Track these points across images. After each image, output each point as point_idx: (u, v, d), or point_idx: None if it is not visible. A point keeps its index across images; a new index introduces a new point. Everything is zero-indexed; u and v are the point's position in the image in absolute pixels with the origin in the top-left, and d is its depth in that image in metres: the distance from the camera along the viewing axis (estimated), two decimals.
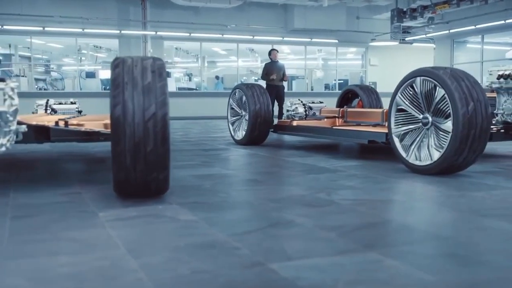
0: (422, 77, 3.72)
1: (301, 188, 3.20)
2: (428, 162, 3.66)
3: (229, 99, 6.77)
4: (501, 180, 3.42)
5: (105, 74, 21.29)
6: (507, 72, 3.96)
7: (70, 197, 2.94)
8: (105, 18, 16.53)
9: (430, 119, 3.73)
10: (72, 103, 5.58)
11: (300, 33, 19.01)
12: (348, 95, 7.27)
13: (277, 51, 11.03)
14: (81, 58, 21.75)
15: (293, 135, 5.94)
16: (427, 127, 3.75)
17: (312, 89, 21.77)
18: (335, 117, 6.21)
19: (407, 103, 3.90)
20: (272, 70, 10.66)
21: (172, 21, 17.34)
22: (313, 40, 19.46)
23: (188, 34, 17.69)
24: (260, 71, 23.30)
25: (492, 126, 4.30)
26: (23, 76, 18.48)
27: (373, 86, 11.57)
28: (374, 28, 19.93)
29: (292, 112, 6.74)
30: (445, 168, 3.56)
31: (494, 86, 4.13)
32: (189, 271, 1.61)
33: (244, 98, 6.31)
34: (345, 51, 22.87)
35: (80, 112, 5.57)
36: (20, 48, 19.64)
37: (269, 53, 11.04)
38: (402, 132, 3.95)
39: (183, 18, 17.52)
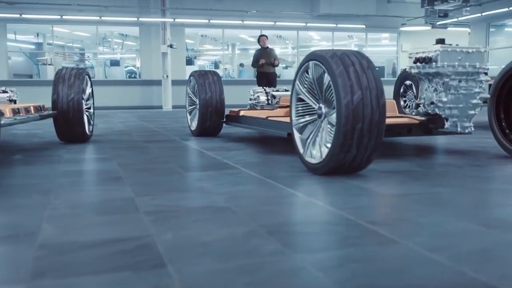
0: (313, 62, 3.21)
1: (140, 190, 2.79)
2: (318, 160, 3.16)
3: (187, 87, 6.39)
4: (391, 184, 2.89)
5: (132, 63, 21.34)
6: (424, 55, 3.36)
7: None
8: (122, 6, 16.42)
9: (323, 110, 3.22)
10: (3, 91, 5.35)
11: (325, 19, 18.28)
12: None
13: (266, 37, 10.49)
14: (113, 47, 21.90)
15: (238, 127, 5.48)
16: (321, 119, 3.25)
17: None
18: (288, 106, 5.68)
19: (304, 91, 3.40)
20: (261, 56, 10.16)
21: (192, 7, 17.04)
22: (339, 25, 18.68)
23: (207, 21, 17.36)
24: (290, 58, 22.82)
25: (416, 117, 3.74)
26: (50, 64, 18.77)
27: None
28: (407, 12, 18.92)
29: (254, 101, 6.28)
30: (333, 168, 3.05)
31: (413, 71, 3.55)
32: None
33: (196, 86, 5.92)
34: (378, 36, 21.92)
35: (12, 101, 5.34)
36: (49, 37, 19.90)
37: (258, 40, 10.52)
38: (301, 125, 3.45)
39: (203, 4, 17.18)
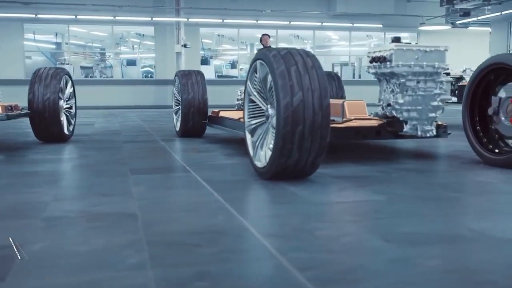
0: (259, 61, 3.07)
1: (66, 193, 2.70)
2: (263, 164, 3.02)
3: (173, 87, 6.30)
4: (331, 191, 2.73)
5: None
6: (379, 54, 3.18)
7: None
8: (136, 5, 16.45)
9: (270, 111, 3.07)
10: None
11: (341, 18, 18.00)
12: None
13: (269, 36, 10.31)
14: (133, 46, 22.03)
15: (217, 128, 5.34)
16: (269, 121, 3.10)
17: (360, 77, 20.72)
18: None
19: (254, 92, 3.26)
20: None
21: (206, 7, 16.98)
22: (356, 25, 18.38)
23: (222, 21, 17.28)
24: None
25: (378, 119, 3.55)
26: (67, 64, 18.97)
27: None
28: (426, 11, 18.50)
29: (241, 102, 6.14)
30: (276, 172, 2.90)
31: (370, 71, 3.36)
32: None
33: (179, 86, 5.82)
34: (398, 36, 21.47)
35: None
36: (67, 37, 20.11)
37: (260, 39, 10.34)
38: (253, 127, 3.31)
39: (218, 4, 17.10)
